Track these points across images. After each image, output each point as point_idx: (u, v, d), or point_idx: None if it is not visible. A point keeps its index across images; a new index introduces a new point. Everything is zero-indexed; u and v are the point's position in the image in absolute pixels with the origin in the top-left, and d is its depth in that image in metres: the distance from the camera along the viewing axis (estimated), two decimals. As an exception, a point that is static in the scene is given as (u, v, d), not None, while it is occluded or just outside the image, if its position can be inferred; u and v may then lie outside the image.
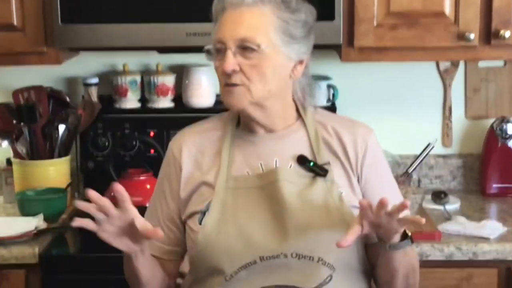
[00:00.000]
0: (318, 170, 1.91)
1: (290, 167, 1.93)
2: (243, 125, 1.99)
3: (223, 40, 1.86)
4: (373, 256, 1.95)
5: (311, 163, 1.92)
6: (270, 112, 1.92)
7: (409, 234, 1.83)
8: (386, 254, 1.85)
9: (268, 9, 1.86)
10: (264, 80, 1.86)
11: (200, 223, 1.91)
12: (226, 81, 1.86)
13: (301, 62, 1.92)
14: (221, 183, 1.92)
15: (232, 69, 1.84)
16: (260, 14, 1.86)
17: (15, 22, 2.66)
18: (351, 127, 1.98)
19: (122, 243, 1.81)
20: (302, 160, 1.93)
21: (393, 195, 1.92)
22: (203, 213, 1.91)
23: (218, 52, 1.88)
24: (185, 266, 2.05)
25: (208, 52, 1.91)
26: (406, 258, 1.87)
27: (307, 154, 1.94)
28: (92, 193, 1.76)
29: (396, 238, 1.80)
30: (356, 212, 1.86)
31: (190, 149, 1.99)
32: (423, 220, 1.72)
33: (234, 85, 1.86)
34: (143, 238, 1.80)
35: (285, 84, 1.92)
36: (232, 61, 1.84)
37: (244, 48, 1.84)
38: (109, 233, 1.79)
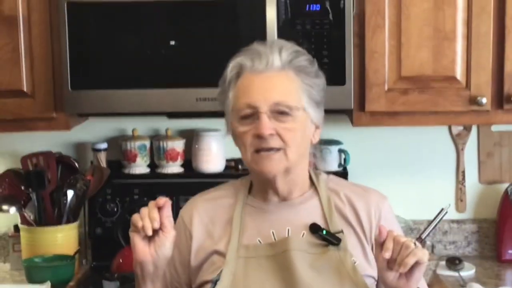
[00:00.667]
0: (331, 239, 1.88)
1: (303, 236, 1.90)
2: (256, 193, 1.97)
3: (255, 105, 1.83)
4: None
5: (324, 232, 1.89)
6: (293, 179, 1.91)
7: None
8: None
9: (293, 74, 1.86)
10: (296, 144, 1.85)
11: (211, 293, 1.88)
12: (261, 146, 1.84)
13: (317, 127, 1.92)
14: (232, 252, 1.90)
15: (269, 133, 1.82)
16: (288, 79, 1.85)
17: (25, 88, 2.65)
18: (364, 194, 1.96)
19: (140, 243, 1.81)
20: (314, 229, 1.90)
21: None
22: (214, 283, 1.88)
23: (246, 118, 1.85)
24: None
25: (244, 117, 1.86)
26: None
27: (320, 222, 1.92)
28: (163, 200, 1.80)
29: None
30: (369, 281, 1.84)
31: (201, 217, 1.98)
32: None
33: (271, 149, 1.83)
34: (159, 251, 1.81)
35: (308, 149, 1.92)
36: (268, 124, 1.82)
37: (278, 112, 1.83)
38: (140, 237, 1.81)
